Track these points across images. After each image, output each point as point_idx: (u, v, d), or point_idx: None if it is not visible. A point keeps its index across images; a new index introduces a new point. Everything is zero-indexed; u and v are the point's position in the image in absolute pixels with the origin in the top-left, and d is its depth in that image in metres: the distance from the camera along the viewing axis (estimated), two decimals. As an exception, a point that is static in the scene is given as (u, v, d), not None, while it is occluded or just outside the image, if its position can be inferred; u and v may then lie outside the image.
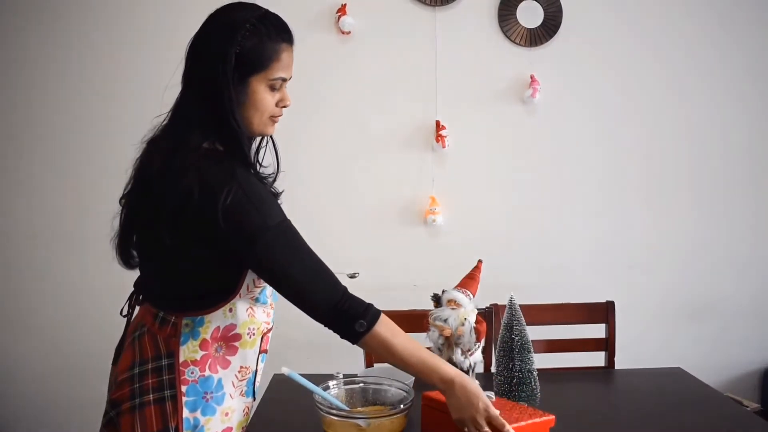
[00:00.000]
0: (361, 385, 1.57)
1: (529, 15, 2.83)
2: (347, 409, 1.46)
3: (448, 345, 1.59)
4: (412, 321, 1.97)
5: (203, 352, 1.29)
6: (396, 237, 2.86)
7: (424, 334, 1.63)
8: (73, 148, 2.81)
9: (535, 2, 2.82)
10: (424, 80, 2.83)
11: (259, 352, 1.38)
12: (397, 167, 2.86)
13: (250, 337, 1.32)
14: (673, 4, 2.88)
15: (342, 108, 2.84)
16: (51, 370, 2.84)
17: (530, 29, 2.83)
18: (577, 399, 1.76)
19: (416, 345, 1.31)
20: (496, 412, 1.27)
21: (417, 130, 2.85)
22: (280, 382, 1.80)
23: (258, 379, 1.41)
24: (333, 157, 2.85)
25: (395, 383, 1.55)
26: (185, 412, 1.27)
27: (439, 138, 2.80)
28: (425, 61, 2.83)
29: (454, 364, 1.58)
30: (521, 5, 2.82)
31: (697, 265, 2.94)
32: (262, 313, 1.34)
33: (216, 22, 1.28)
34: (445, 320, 1.57)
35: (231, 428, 1.34)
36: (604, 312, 2.21)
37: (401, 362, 1.30)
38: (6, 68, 2.81)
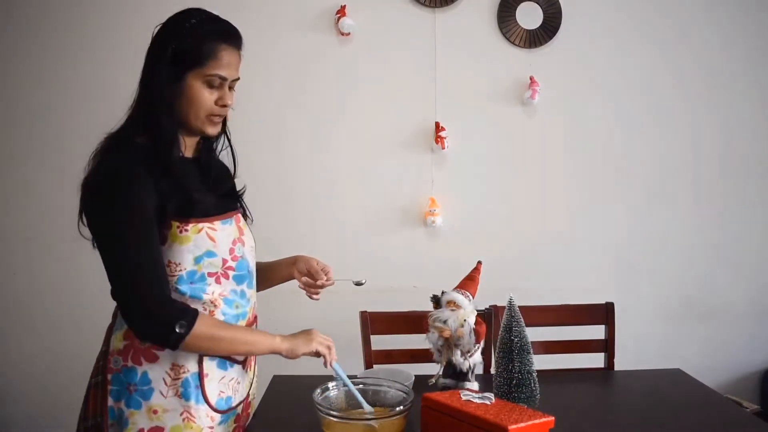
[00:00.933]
0: (361, 386, 1.57)
1: (529, 16, 2.83)
2: (371, 409, 1.48)
3: (447, 346, 1.59)
4: (412, 322, 1.98)
5: (126, 342, 1.33)
6: (395, 238, 2.87)
7: (424, 335, 1.63)
8: (71, 149, 2.79)
9: (535, 3, 2.82)
10: (423, 81, 2.83)
11: (201, 354, 1.34)
12: (396, 169, 2.86)
13: None
14: (673, 5, 2.88)
15: (341, 109, 2.84)
16: (50, 371, 2.84)
17: (530, 30, 2.83)
18: (576, 400, 1.76)
19: (238, 331, 1.36)
20: (322, 338, 1.43)
21: (416, 131, 2.85)
22: (280, 383, 1.80)
23: (214, 386, 1.36)
24: (332, 158, 2.85)
25: (395, 384, 1.55)
26: (110, 401, 1.32)
27: (438, 139, 2.80)
28: (425, 63, 2.83)
29: (454, 365, 1.59)
30: (521, 6, 2.82)
31: (696, 266, 2.95)
32: (201, 310, 1.33)
33: (165, 23, 1.35)
34: (445, 321, 1.57)
35: (162, 429, 1.31)
36: (603, 313, 2.21)
37: (229, 352, 1.36)
38: (4, 68, 2.81)
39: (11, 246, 2.85)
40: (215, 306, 1.36)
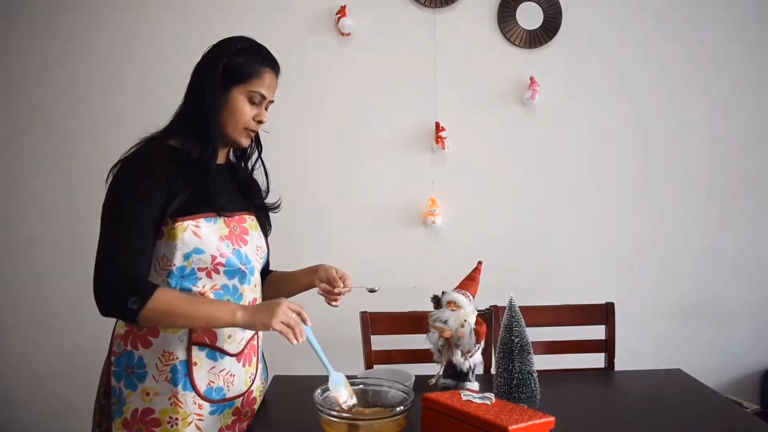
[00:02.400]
0: (361, 386, 1.57)
1: (529, 16, 2.83)
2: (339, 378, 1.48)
3: (448, 346, 1.59)
4: (412, 322, 1.98)
5: (126, 328, 1.44)
6: (396, 238, 2.86)
7: (424, 335, 1.63)
8: (72, 149, 2.81)
9: (535, 4, 2.83)
10: (423, 82, 2.83)
11: (190, 343, 1.42)
12: (396, 169, 2.86)
13: None
14: (672, 6, 2.88)
15: (341, 110, 2.84)
16: (50, 372, 2.84)
17: (530, 31, 2.83)
18: (576, 400, 1.76)
19: (197, 306, 1.37)
20: (292, 303, 1.39)
21: (417, 131, 2.85)
22: (280, 382, 1.80)
23: (203, 374, 1.43)
24: (333, 158, 2.85)
25: (395, 385, 1.55)
26: (113, 381, 1.44)
27: (438, 139, 2.80)
28: (425, 63, 2.83)
29: (454, 365, 1.59)
30: (521, 7, 2.82)
31: (696, 266, 2.94)
32: None
33: (217, 44, 1.50)
34: (445, 322, 1.57)
35: (153, 411, 1.41)
36: (603, 313, 2.21)
37: (187, 326, 1.40)
38: (7, 68, 2.81)
39: (12, 246, 2.85)
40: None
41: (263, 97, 1.48)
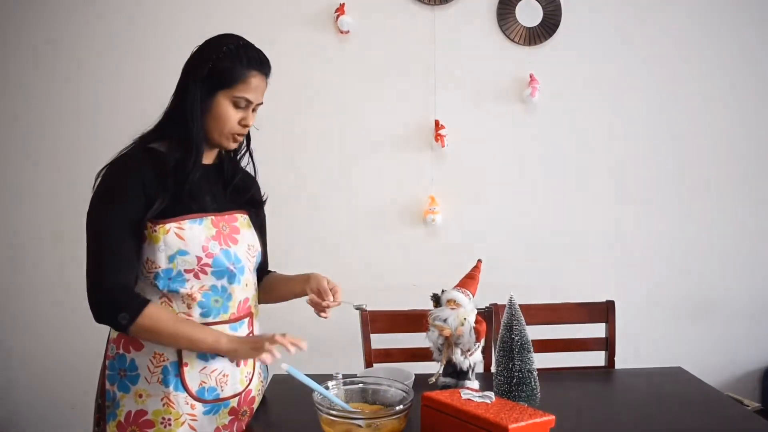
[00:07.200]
0: (361, 385, 1.57)
1: (529, 14, 2.82)
2: (348, 408, 1.46)
3: (447, 345, 1.59)
4: (412, 321, 1.98)
5: (118, 332, 1.44)
6: (395, 237, 2.86)
7: (424, 334, 1.63)
8: (70, 149, 2.81)
9: (535, 1, 2.82)
10: (422, 79, 2.83)
11: None
12: (396, 167, 2.85)
13: None
14: (672, 3, 2.87)
15: (340, 107, 2.84)
16: (50, 372, 2.84)
17: (529, 28, 2.83)
18: (577, 399, 1.75)
19: (182, 327, 1.39)
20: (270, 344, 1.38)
21: (416, 129, 2.85)
22: (279, 382, 1.79)
23: (194, 375, 1.43)
24: (332, 156, 2.85)
25: (395, 383, 1.54)
26: (107, 384, 1.46)
27: (438, 137, 2.80)
28: (424, 61, 2.82)
29: (454, 364, 1.59)
30: (520, 4, 2.82)
31: (697, 264, 2.94)
32: (181, 303, 1.43)
33: (204, 44, 1.48)
34: (445, 320, 1.57)
35: (146, 412, 1.42)
36: (604, 311, 2.20)
37: (172, 345, 1.41)
38: (1, 67, 2.81)
39: (11, 246, 2.85)
40: (192, 299, 1.43)
41: (249, 102, 1.45)
